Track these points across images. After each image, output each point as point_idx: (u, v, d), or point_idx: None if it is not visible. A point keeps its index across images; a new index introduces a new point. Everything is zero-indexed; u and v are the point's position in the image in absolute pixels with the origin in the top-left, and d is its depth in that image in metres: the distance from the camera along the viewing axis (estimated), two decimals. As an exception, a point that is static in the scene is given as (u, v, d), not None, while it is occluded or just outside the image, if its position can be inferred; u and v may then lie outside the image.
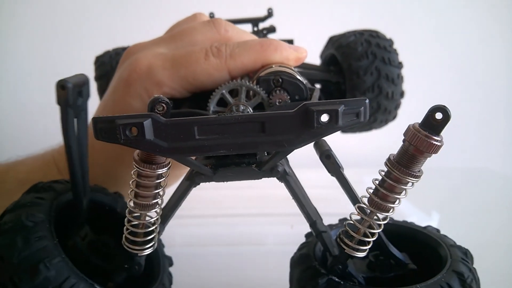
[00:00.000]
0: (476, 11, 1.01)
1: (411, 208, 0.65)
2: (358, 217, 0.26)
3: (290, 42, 0.55)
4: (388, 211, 0.24)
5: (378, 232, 0.26)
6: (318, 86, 0.55)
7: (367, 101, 0.20)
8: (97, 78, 0.50)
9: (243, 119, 0.20)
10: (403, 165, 0.22)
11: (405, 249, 0.31)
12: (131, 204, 0.25)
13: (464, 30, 1.02)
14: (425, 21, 1.01)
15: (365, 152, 0.86)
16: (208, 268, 0.36)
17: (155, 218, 0.26)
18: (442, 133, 0.22)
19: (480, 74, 1.04)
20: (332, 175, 0.28)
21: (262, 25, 0.53)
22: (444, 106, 0.21)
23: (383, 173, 0.24)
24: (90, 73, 0.51)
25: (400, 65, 0.49)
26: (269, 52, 0.33)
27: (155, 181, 0.23)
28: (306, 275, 0.28)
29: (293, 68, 0.32)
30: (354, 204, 0.27)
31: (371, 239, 0.25)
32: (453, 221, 0.63)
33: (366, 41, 0.49)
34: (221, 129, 0.20)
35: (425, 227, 0.35)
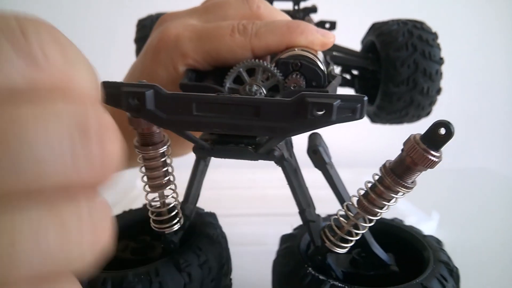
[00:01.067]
0: (475, 11, 0.97)
1: (411, 208, 0.64)
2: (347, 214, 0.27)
3: (333, 24, 0.54)
4: (374, 215, 0.25)
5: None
6: (355, 72, 0.54)
7: (365, 98, 0.20)
8: (137, 41, 0.52)
9: (240, 101, 0.21)
10: (397, 174, 0.22)
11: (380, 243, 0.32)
12: (147, 188, 0.27)
13: (464, 30, 0.97)
14: (427, 16, 0.97)
15: (367, 151, 0.86)
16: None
17: (173, 194, 0.28)
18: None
19: (480, 74, 1.00)
20: (319, 169, 0.28)
21: (303, 4, 0.52)
22: (449, 122, 0.20)
23: (376, 177, 0.24)
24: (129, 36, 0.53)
25: (441, 61, 0.47)
26: (295, 34, 0.33)
27: (161, 160, 0.25)
28: (293, 271, 0.29)
29: (316, 54, 0.32)
30: (339, 201, 0.28)
31: (353, 239, 0.26)
32: (453, 221, 0.62)
33: (409, 31, 0.47)
34: (218, 108, 0.21)
35: (392, 219, 0.35)
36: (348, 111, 0.20)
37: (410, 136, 0.22)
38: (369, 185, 0.24)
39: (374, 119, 0.52)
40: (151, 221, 0.28)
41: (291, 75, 0.30)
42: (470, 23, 0.98)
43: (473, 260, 0.51)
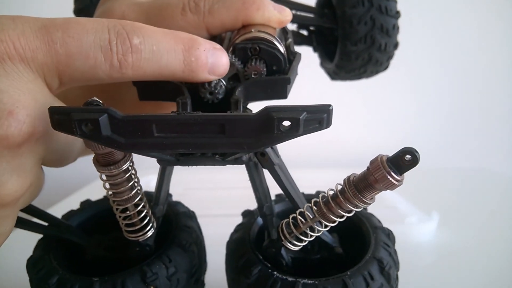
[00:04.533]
0: (477, 9, 0.95)
1: (411, 208, 0.66)
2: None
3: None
4: (330, 222, 0.25)
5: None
6: (312, 28, 0.52)
7: (331, 107, 0.20)
8: (76, 12, 0.47)
9: (203, 120, 0.20)
10: (358, 189, 0.23)
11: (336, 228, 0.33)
12: (114, 202, 0.26)
13: (464, 29, 0.97)
14: (426, 18, 0.95)
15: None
16: (208, 268, 0.37)
17: (143, 203, 0.27)
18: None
19: (480, 74, 1.00)
20: (267, 170, 0.29)
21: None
22: (416, 150, 0.21)
23: (339, 187, 0.24)
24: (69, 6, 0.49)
25: (397, 15, 0.46)
26: (251, 11, 0.31)
27: (125, 176, 0.24)
28: (243, 262, 0.30)
29: (273, 33, 0.30)
30: (288, 199, 0.30)
31: (307, 239, 0.27)
32: (453, 221, 0.63)
33: (364, -15, 0.45)
34: (180, 128, 0.20)
35: None
36: (314, 122, 0.20)
37: (377, 156, 0.22)
38: (331, 193, 0.25)
39: (334, 77, 0.52)
40: (123, 231, 0.28)
41: (250, 61, 0.28)
42: (470, 23, 0.96)
43: (473, 260, 0.53)
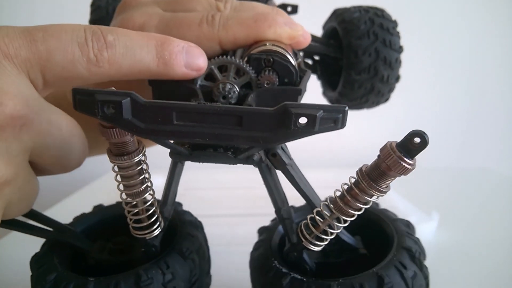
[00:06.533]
0: (475, 11, 0.98)
1: (411, 208, 0.66)
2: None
3: (294, 7, 0.54)
4: (349, 216, 0.25)
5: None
6: (316, 57, 0.54)
7: (346, 108, 0.20)
8: (92, 23, 0.49)
9: (222, 111, 0.20)
10: (372, 179, 0.23)
11: (357, 229, 0.32)
12: (124, 196, 0.26)
13: (464, 29, 1.00)
14: (426, 17, 0.98)
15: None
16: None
17: (152, 200, 0.27)
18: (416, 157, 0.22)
19: (480, 74, 1.03)
20: (280, 170, 0.29)
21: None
22: (424, 132, 0.21)
23: (353, 180, 0.24)
24: (85, 17, 0.50)
25: (400, 49, 0.48)
26: (262, 28, 0.32)
27: (137, 168, 0.24)
28: (269, 277, 0.30)
29: (286, 48, 0.32)
30: (304, 199, 0.29)
31: (328, 237, 0.27)
32: (453, 221, 0.63)
33: (370, 19, 0.48)
34: (200, 117, 0.21)
35: None
36: (330, 121, 0.20)
37: (386, 143, 0.23)
38: (346, 187, 0.25)
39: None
40: (130, 227, 0.28)
41: (263, 72, 0.29)
42: (471, 22, 0.99)
43: (473, 259, 0.53)
